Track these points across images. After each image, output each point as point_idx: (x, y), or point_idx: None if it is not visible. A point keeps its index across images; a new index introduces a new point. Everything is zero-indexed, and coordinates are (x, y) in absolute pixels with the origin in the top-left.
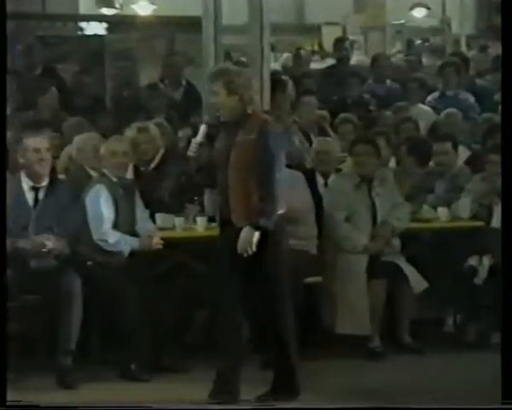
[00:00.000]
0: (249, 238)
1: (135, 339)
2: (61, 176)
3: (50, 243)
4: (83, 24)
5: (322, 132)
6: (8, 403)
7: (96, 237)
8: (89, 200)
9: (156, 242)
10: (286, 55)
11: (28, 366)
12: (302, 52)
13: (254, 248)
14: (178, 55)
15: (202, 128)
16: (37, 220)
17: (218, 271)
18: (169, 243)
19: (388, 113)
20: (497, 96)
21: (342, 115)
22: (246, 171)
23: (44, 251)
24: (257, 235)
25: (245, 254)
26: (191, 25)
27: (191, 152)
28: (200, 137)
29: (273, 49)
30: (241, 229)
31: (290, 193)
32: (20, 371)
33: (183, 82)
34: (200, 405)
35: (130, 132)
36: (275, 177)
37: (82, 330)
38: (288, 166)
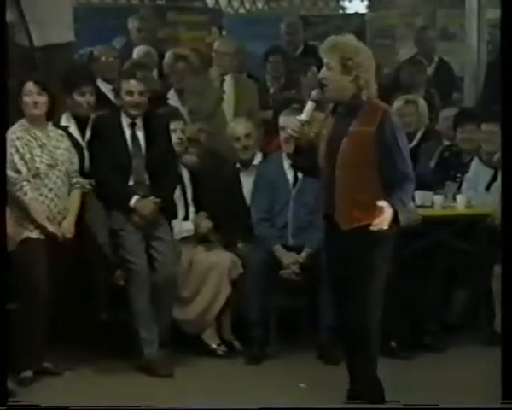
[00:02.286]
0: (388, 220)
1: (394, 316)
2: None
3: None
4: (345, 3)
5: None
6: (8, 403)
7: None
8: None
9: (415, 218)
10: None
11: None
12: None
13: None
14: (431, 30)
15: (309, 105)
16: (297, 198)
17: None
18: (428, 221)
19: None
20: None
21: None
22: (358, 165)
23: None
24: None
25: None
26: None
27: (292, 131)
28: (305, 115)
29: None
30: (343, 232)
31: None
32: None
33: (436, 58)
34: (201, 405)
35: (397, 103)
36: (406, 172)
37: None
38: None
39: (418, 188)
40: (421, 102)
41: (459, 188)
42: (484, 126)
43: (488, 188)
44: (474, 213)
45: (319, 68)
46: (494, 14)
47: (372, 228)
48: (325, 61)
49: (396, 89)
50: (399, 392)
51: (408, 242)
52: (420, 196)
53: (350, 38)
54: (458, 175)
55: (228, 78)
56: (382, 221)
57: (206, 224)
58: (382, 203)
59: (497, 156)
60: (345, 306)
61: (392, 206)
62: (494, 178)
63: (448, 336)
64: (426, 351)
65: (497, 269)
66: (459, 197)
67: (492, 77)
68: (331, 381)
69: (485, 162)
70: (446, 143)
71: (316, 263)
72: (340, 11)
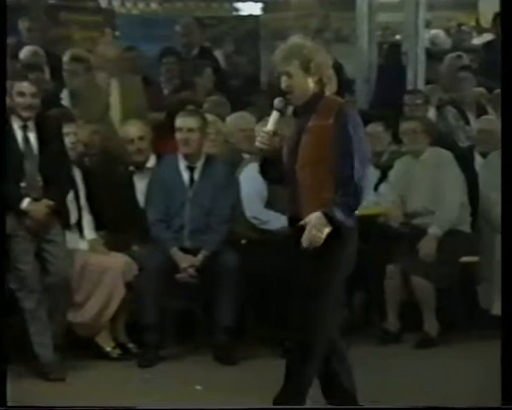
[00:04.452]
0: (319, 227)
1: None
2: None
3: None
4: (238, 4)
5: (482, 111)
6: (8, 403)
7: (249, 215)
8: (242, 178)
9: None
10: (436, 31)
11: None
12: (464, 28)
13: (320, 242)
14: (326, 32)
15: (274, 115)
16: (193, 199)
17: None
18: None
19: None
20: None
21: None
22: (319, 161)
23: None
24: (327, 229)
25: (309, 247)
26: (345, 3)
27: (261, 143)
28: (271, 126)
29: (428, 25)
30: None
31: (436, 172)
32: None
33: None
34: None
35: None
36: (359, 168)
37: (239, 307)
38: (439, 143)
39: None
40: None
41: None
42: (369, 127)
43: (376, 188)
44: (368, 213)
45: (215, 70)
46: (384, 17)
47: (304, 245)
48: (284, 70)
49: None
50: None
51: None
52: None
53: (302, 39)
54: None
55: (113, 81)
56: (306, 237)
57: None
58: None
59: (385, 158)
60: (308, 309)
61: (326, 212)
62: (381, 179)
63: (348, 336)
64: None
65: (390, 268)
66: None
67: (383, 79)
68: (227, 382)
69: (372, 163)
70: None
71: (212, 265)
72: (235, 13)
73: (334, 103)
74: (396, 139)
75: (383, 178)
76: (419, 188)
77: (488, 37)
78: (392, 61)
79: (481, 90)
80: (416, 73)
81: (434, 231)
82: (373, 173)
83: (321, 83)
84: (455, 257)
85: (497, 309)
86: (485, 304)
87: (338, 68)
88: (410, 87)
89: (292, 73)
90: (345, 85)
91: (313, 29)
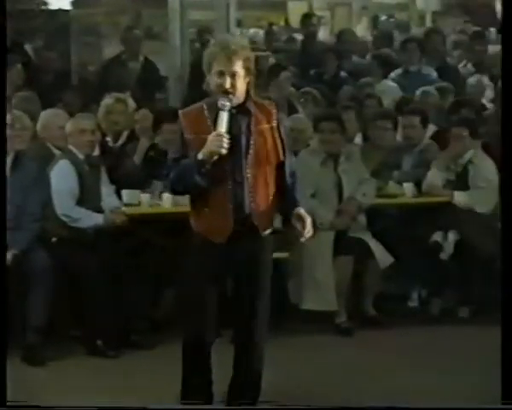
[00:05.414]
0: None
1: (101, 315)
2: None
3: None
4: None
5: (292, 110)
6: (8, 403)
7: (59, 212)
8: (53, 175)
9: (120, 218)
10: (254, 30)
11: None
12: (274, 28)
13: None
14: (137, 29)
15: (225, 116)
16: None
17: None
18: (135, 220)
19: (353, 88)
20: (463, 71)
21: (306, 90)
22: (268, 162)
23: None
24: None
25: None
26: (157, 0)
27: (220, 147)
28: (224, 128)
29: (239, 24)
30: (259, 237)
31: None
32: None
33: (141, 57)
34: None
35: (107, 101)
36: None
37: (50, 306)
38: None
39: (125, 186)
40: (130, 102)
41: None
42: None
43: None
44: (181, 210)
45: (24, 64)
46: (196, 15)
47: (303, 238)
48: (229, 70)
49: (104, 87)
50: None
51: (115, 241)
52: (127, 195)
53: (239, 39)
54: (164, 174)
55: None
56: (310, 228)
57: None
58: (301, 210)
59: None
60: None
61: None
62: None
63: (156, 334)
64: (134, 349)
65: None
66: (165, 196)
67: (196, 76)
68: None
69: None
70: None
71: (22, 264)
72: (44, 7)
73: (270, 107)
74: None
75: None
76: None
77: (298, 36)
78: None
79: (291, 89)
80: None
81: None
82: None
83: (251, 83)
84: None
85: (306, 304)
86: (295, 299)
87: (150, 66)
88: None
89: (236, 74)
90: (157, 82)
91: (124, 26)
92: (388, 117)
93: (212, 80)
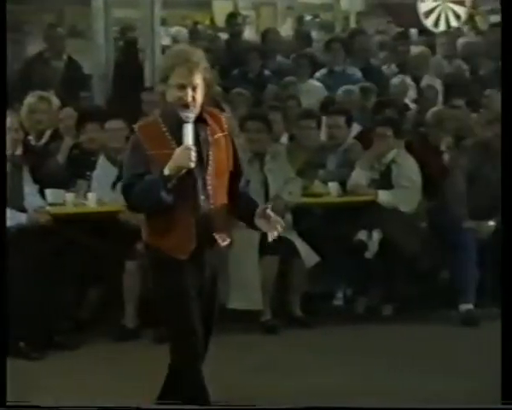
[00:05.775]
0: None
1: (24, 316)
2: None
3: None
4: None
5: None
6: (8, 403)
7: None
8: None
9: (45, 217)
10: (177, 28)
11: None
12: (199, 26)
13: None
14: (60, 27)
15: (189, 129)
16: None
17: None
18: (60, 219)
19: (276, 88)
20: (386, 71)
21: (236, 91)
22: (226, 170)
23: None
24: None
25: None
26: None
27: (191, 161)
28: (191, 140)
29: (164, 23)
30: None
31: None
32: None
33: (65, 56)
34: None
35: (30, 99)
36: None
37: None
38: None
39: (49, 186)
40: (54, 100)
41: (90, 186)
42: (107, 124)
43: (114, 186)
44: (106, 210)
45: None
46: (121, 13)
47: (271, 238)
48: (191, 82)
49: (27, 85)
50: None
51: (40, 240)
52: (51, 194)
53: (197, 50)
54: (88, 173)
55: None
56: (278, 225)
57: None
58: (267, 209)
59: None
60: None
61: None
62: (120, 177)
63: (80, 334)
64: (58, 350)
65: (128, 265)
66: (90, 195)
67: (120, 75)
68: None
69: (111, 160)
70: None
71: None
72: None
73: (220, 115)
74: None
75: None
76: None
77: (223, 36)
78: (128, 58)
79: (218, 88)
80: (154, 70)
81: None
82: (112, 171)
83: (208, 93)
84: None
85: (232, 303)
86: (222, 298)
87: (74, 64)
88: (147, 84)
89: (197, 86)
90: (80, 81)
91: (47, 23)
92: (312, 117)
93: (170, 92)
